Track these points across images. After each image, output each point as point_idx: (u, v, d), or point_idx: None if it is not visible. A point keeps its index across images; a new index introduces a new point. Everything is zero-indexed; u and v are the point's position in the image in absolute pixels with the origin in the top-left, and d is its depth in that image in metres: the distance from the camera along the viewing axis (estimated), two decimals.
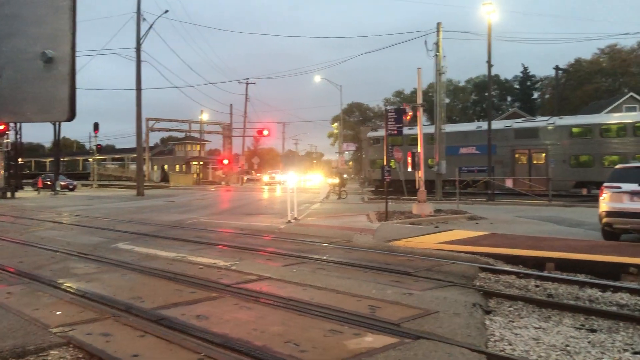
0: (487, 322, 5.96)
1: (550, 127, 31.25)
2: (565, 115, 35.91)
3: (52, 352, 4.87)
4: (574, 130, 30.68)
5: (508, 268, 9.14)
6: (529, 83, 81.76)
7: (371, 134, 42.60)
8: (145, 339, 5.18)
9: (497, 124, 32.45)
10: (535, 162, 31.67)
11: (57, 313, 6.09)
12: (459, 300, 6.71)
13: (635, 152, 27.44)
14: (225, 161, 65.28)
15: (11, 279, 8.20)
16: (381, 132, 40.51)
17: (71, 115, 1.73)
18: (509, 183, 28.33)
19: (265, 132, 61.57)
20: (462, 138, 33.36)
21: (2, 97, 1.78)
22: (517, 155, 31.96)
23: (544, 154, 31.20)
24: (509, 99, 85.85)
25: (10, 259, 9.93)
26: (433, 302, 6.54)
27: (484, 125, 35.32)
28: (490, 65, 28.99)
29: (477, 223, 16.49)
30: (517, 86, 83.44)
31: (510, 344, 5.23)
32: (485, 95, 74.65)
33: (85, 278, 8.18)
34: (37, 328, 5.50)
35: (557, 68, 52.40)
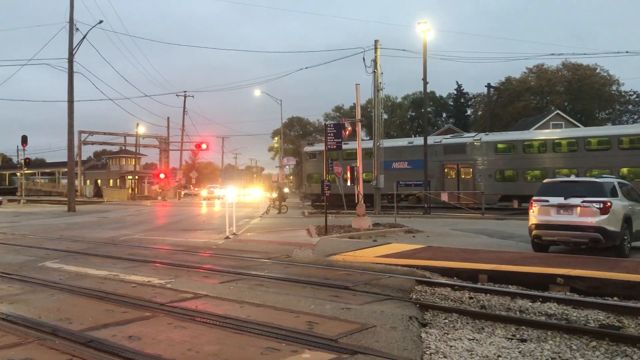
0: (423, 335, 6.05)
1: (477, 143, 32.53)
2: (496, 131, 37.42)
3: None
4: (499, 146, 32.15)
5: (443, 280, 9.35)
6: (462, 100, 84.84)
7: (307, 148, 42.87)
8: None
9: (428, 140, 33.39)
10: (463, 176, 32.98)
11: None
12: (396, 313, 6.78)
13: (554, 167, 28.96)
14: (162, 175, 63.89)
15: None
16: (317, 147, 41.07)
17: None
18: (444, 197, 29.15)
19: (204, 146, 60.84)
20: (395, 153, 34.14)
21: None
22: (446, 170, 33.08)
23: (471, 169, 32.47)
24: (444, 115, 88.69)
25: None
26: (371, 316, 6.58)
27: (415, 140, 36.31)
28: (425, 83, 29.85)
29: (414, 236, 16.82)
30: (452, 103, 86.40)
31: (445, 357, 5.33)
32: (421, 112, 76.84)
33: (8, 299, 7.73)
34: None
35: (488, 86, 54.53)
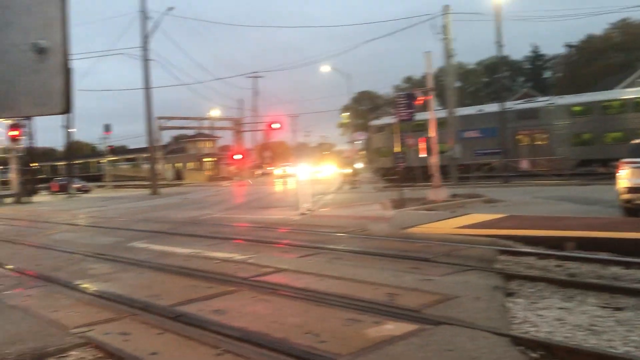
0: (509, 305, 5.86)
1: (550, 107, 31.11)
2: (578, 93, 35.46)
3: (72, 352, 4.86)
4: (575, 108, 30.46)
5: (527, 249, 9.00)
6: (539, 62, 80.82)
7: (374, 122, 42.40)
8: (164, 336, 5.15)
9: (497, 107, 32.14)
10: (537, 142, 31.49)
11: (76, 314, 6.09)
12: (479, 284, 6.61)
13: (637, 127, 27.04)
14: (237, 156, 65.42)
15: (30, 282, 8.23)
16: (384, 120, 40.51)
17: (66, 108, 1.66)
18: (523, 164, 28.04)
19: (276, 125, 61.57)
20: (464, 122, 33.00)
21: None
22: (519, 137, 31.69)
23: (545, 134, 31.07)
24: (520, 79, 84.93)
25: (28, 263, 9.98)
26: (453, 287, 6.45)
27: (485, 108, 34.97)
28: (500, 46, 28.63)
29: (493, 206, 16.33)
30: (528, 66, 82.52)
31: (534, 326, 5.13)
32: (496, 78, 73.98)
33: (102, 278, 8.19)
34: (56, 329, 5.50)
35: (568, 45, 51.63)
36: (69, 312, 6.18)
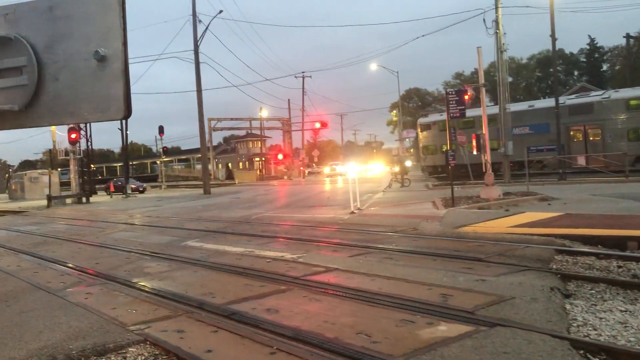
0: (568, 307, 5.66)
1: (605, 102, 29.97)
2: (638, 86, 34.00)
3: (130, 349, 5.01)
4: (632, 102, 29.11)
5: (586, 249, 8.69)
6: (596, 55, 77.82)
7: (421, 120, 42.01)
8: (218, 334, 5.24)
9: (549, 102, 31.14)
10: (591, 138, 30.47)
11: (133, 311, 6.28)
12: (536, 284, 6.42)
13: None
14: (285, 156, 65.98)
15: (89, 280, 8.54)
16: (431, 118, 40.11)
17: (127, 113, 1.71)
18: (580, 160, 27.10)
19: (317, 125, 61.76)
20: (514, 118, 32.10)
21: (62, 99, 1.78)
22: (572, 132, 30.64)
23: (599, 130, 30.02)
24: (575, 73, 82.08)
25: (88, 261, 10.36)
26: (508, 288, 6.29)
27: (536, 103, 33.95)
28: (554, 39, 27.75)
29: (549, 204, 15.84)
30: (584, 59, 79.63)
31: (594, 329, 4.94)
32: (550, 72, 71.67)
33: (158, 276, 8.41)
34: (115, 326, 5.68)
35: (627, 36, 49.56)
36: (127, 310, 6.37)
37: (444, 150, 37.52)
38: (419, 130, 41.36)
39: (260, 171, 70.82)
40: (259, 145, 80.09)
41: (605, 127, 29.86)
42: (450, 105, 17.21)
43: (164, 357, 4.82)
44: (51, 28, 1.77)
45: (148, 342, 5.13)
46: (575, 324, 5.10)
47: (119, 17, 1.69)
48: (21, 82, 1.81)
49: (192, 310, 6.16)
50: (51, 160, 38.96)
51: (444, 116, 40.78)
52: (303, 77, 66.35)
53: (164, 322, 5.75)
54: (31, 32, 1.79)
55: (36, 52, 1.78)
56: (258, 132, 74.75)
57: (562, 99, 33.92)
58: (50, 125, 2.10)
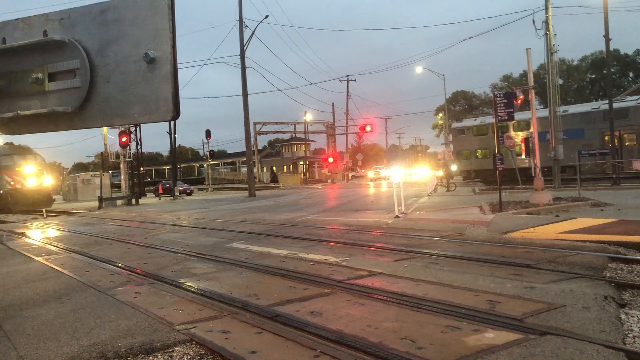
0: (623, 317, 5.43)
1: None
2: None
3: (176, 348, 5.09)
4: None
5: None
6: None
7: (455, 124, 41.92)
8: (262, 335, 5.27)
9: (583, 107, 30.26)
10: (627, 143, 29.76)
11: (180, 311, 6.39)
12: (588, 293, 6.19)
13: None
14: (330, 159, 66.09)
15: (138, 279, 8.75)
16: (465, 123, 40.02)
17: (175, 114, 1.73)
18: (637, 165, 26.06)
19: (368, 128, 61.57)
20: (548, 124, 31.37)
21: (113, 101, 1.82)
22: (607, 138, 29.70)
23: (635, 135, 29.31)
24: (631, 74, 79.12)
25: (137, 261, 10.63)
26: (558, 296, 6.09)
27: (570, 108, 33.06)
28: (607, 40, 26.82)
29: (602, 210, 15.29)
30: None
31: None
32: (603, 73, 69.30)
33: (204, 277, 8.54)
34: (162, 325, 5.79)
35: None
36: (173, 309, 6.49)
37: (478, 155, 37.55)
38: (454, 134, 40.99)
39: (304, 174, 71.15)
40: (303, 149, 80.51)
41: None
42: (499, 108, 16.85)
43: (209, 357, 4.87)
44: (103, 31, 1.81)
45: (194, 342, 5.21)
46: (631, 335, 4.88)
47: (168, 21, 1.72)
48: (74, 85, 1.86)
49: (237, 311, 6.22)
50: (103, 162, 40.15)
51: (478, 121, 40.80)
52: (348, 81, 66.41)
53: (210, 322, 5.82)
54: (84, 36, 1.83)
55: (89, 55, 1.83)
56: (302, 135, 75.22)
57: (597, 104, 33.04)
58: (102, 127, 2.19)
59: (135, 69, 1.79)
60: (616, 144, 30.08)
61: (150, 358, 4.89)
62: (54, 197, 38.44)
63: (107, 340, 5.36)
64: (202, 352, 4.97)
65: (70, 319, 6.30)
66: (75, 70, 1.86)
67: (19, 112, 1.90)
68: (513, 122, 34.82)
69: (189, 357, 4.87)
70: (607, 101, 34.17)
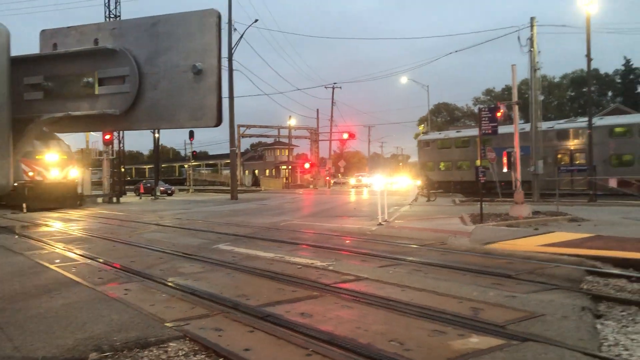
0: (599, 327, 5.71)
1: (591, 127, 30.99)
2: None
3: (171, 344, 5.22)
4: (616, 130, 31.07)
5: (618, 271, 8.66)
6: (631, 76, 76.62)
7: (422, 137, 43.78)
8: (255, 334, 5.43)
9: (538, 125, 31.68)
10: (577, 162, 32.08)
11: (171, 309, 6.51)
12: (566, 303, 6.47)
13: None
14: (307, 165, 66.32)
15: (126, 277, 8.83)
16: (431, 136, 41.79)
17: (219, 121, 1.91)
18: (612, 183, 26.73)
19: (345, 136, 61.98)
20: (507, 139, 32.28)
21: (159, 106, 1.99)
22: (559, 156, 31.20)
23: (585, 154, 31.23)
24: (609, 93, 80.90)
25: (124, 259, 10.68)
26: (538, 305, 6.36)
27: (526, 127, 34.38)
28: (589, 59, 27.49)
29: (579, 225, 15.71)
30: (619, 80, 78.47)
31: (626, 349, 4.99)
32: (583, 92, 70.72)
33: (193, 277, 8.65)
34: (155, 322, 5.91)
35: None
36: (165, 307, 6.62)
37: (441, 167, 39.16)
38: (420, 146, 42.68)
39: (286, 179, 71.25)
40: (286, 154, 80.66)
41: (588, 151, 30.89)
42: (483, 122, 17.23)
43: (203, 353, 5.01)
44: (153, 43, 1.98)
45: (187, 338, 5.34)
46: (606, 344, 5.15)
47: (215, 37, 1.90)
48: (123, 90, 2.02)
49: (228, 310, 6.37)
50: (84, 159, 39.74)
51: (442, 135, 42.17)
52: (333, 88, 66.72)
53: (202, 320, 5.96)
54: (134, 46, 2.00)
55: (138, 64, 1.99)
56: (286, 140, 75.35)
57: (551, 123, 34.69)
58: (148, 129, 2.32)
59: (183, 78, 1.96)
60: (567, 161, 31.59)
61: (146, 352, 5.01)
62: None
63: (101, 334, 5.47)
64: (196, 349, 5.11)
65: (62, 313, 6.38)
66: (125, 76, 2.02)
67: (69, 112, 2.06)
68: (464, 137, 36.78)
69: (183, 353, 5.00)
70: (561, 121, 36.08)
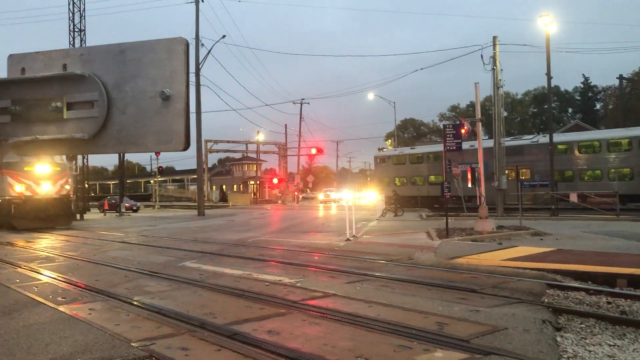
0: (559, 339, 5.89)
1: (534, 145, 33.71)
2: (633, 126, 35.91)
3: None
4: (559, 147, 32.49)
5: (577, 284, 8.93)
6: (590, 94, 79.28)
7: (377, 154, 45.54)
8: (222, 352, 5.41)
9: (490, 142, 32.53)
10: (522, 177, 33.83)
11: (137, 328, 6.43)
12: (528, 317, 6.64)
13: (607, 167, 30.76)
14: (275, 180, 66.28)
15: (90, 296, 8.67)
16: (386, 153, 43.82)
17: (186, 146, 1.96)
18: (573, 197, 27.50)
19: (313, 151, 62.23)
20: (468, 155, 33.00)
21: (128, 131, 2.03)
22: (507, 172, 32.29)
23: (529, 170, 33.46)
24: (570, 110, 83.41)
25: (87, 278, 10.48)
26: (501, 319, 6.51)
27: (475, 144, 35.63)
28: (549, 77, 28.36)
29: (541, 239, 16.10)
30: (578, 97, 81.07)
31: None
32: (544, 108, 72.75)
33: (159, 295, 8.56)
34: (120, 342, 5.83)
35: (620, 77, 50.61)
36: (130, 326, 6.53)
37: (396, 182, 40.67)
38: (376, 162, 44.38)
39: (254, 194, 70.94)
40: (254, 169, 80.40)
41: (534, 167, 33.18)
42: (447, 139, 17.59)
43: None
44: (121, 69, 2.03)
45: (153, 358, 5.29)
46: (565, 356, 5.31)
47: (183, 64, 1.95)
48: (92, 114, 2.05)
49: (195, 329, 6.32)
50: None
51: (397, 152, 43.62)
52: (301, 104, 67.13)
53: (168, 339, 5.91)
54: (103, 71, 2.04)
55: (106, 89, 2.03)
56: (254, 155, 75.16)
57: (501, 141, 35.97)
58: (116, 153, 2.33)
59: (151, 103, 2.00)
60: (513, 176, 32.82)
61: None
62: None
63: (65, 355, 5.37)
64: None
65: (23, 334, 6.24)
66: (94, 101, 2.05)
67: (37, 136, 2.08)
68: (418, 153, 38.24)
69: None
70: (508, 138, 37.41)
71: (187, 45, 1.97)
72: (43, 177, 25.46)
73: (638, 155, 30.23)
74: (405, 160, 40.73)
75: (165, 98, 1.95)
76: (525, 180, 29.47)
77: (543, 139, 33.81)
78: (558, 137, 34.06)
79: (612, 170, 31.04)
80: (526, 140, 35.43)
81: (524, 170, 34.34)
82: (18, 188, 24.47)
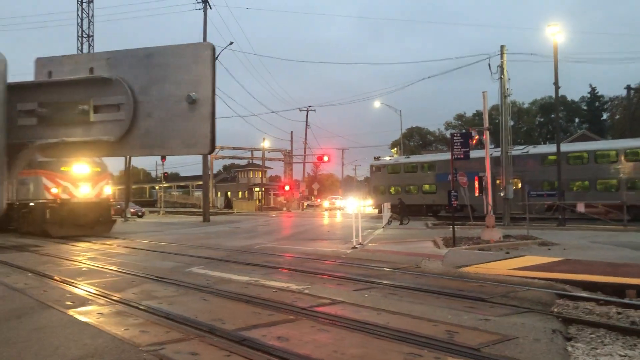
0: (569, 349, 5.85)
1: (524, 155, 33.47)
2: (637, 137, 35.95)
3: None
4: (549, 157, 32.43)
5: (587, 294, 8.88)
6: (597, 104, 79.07)
7: (374, 162, 46.01)
8: (231, 358, 5.41)
9: (479, 153, 32.72)
10: (513, 187, 33.14)
11: (146, 333, 6.44)
12: (538, 326, 6.61)
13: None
14: (287, 187, 66.32)
15: (98, 300, 8.69)
16: (382, 162, 44.24)
17: (212, 149, 1.98)
18: (580, 208, 27.37)
19: (325, 158, 62.23)
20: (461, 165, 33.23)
21: (153, 134, 2.05)
22: (497, 182, 32.24)
23: (520, 180, 33.13)
24: (576, 120, 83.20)
25: (94, 282, 10.50)
26: (511, 328, 6.48)
27: (477, 152, 35.99)
28: (557, 87, 28.32)
29: (549, 249, 16.04)
30: (585, 107, 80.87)
31: None
32: (551, 117, 72.67)
33: (167, 300, 8.56)
34: (130, 346, 5.84)
35: (628, 88, 50.50)
36: (139, 331, 6.53)
37: (391, 191, 40.97)
38: (372, 171, 44.65)
39: (259, 201, 70.99)
40: (260, 176, 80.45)
41: (524, 178, 32.81)
42: (455, 147, 17.57)
43: None
44: (148, 73, 2.05)
45: None
46: None
47: (210, 69, 1.98)
48: (118, 117, 2.07)
49: (204, 335, 6.32)
50: None
51: (392, 161, 43.85)
52: (307, 111, 67.15)
53: (177, 344, 5.91)
54: (129, 75, 2.06)
55: (133, 92, 2.05)
56: (259, 162, 75.28)
57: (483, 152, 36.00)
58: (142, 155, 2.35)
59: (177, 107, 2.02)
60: (518, 186, 32.87)
61: None
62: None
63: (74, 359, 5.38)
64: None
65: (33, 337, 6.25)
66: (120, 104, 2.07)
67: (63, 138, 2.10)
68: (412, 162, 38.50)
69: None
70: (498, 149, 37.40)
71: (214, 49, 1.99)
72: (81, 178, 23.15)
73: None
74: (400, 169, 41.09)
75: (191, 102, 1.97)
76: (533, 190, 29.28)
77: (534, 149, 34.30)
78: (547, 149, 34.32)
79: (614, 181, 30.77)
80: (516, 151, 35.32)
81: (514, 180, 34.25)
82: (54, 190, 22.24)
